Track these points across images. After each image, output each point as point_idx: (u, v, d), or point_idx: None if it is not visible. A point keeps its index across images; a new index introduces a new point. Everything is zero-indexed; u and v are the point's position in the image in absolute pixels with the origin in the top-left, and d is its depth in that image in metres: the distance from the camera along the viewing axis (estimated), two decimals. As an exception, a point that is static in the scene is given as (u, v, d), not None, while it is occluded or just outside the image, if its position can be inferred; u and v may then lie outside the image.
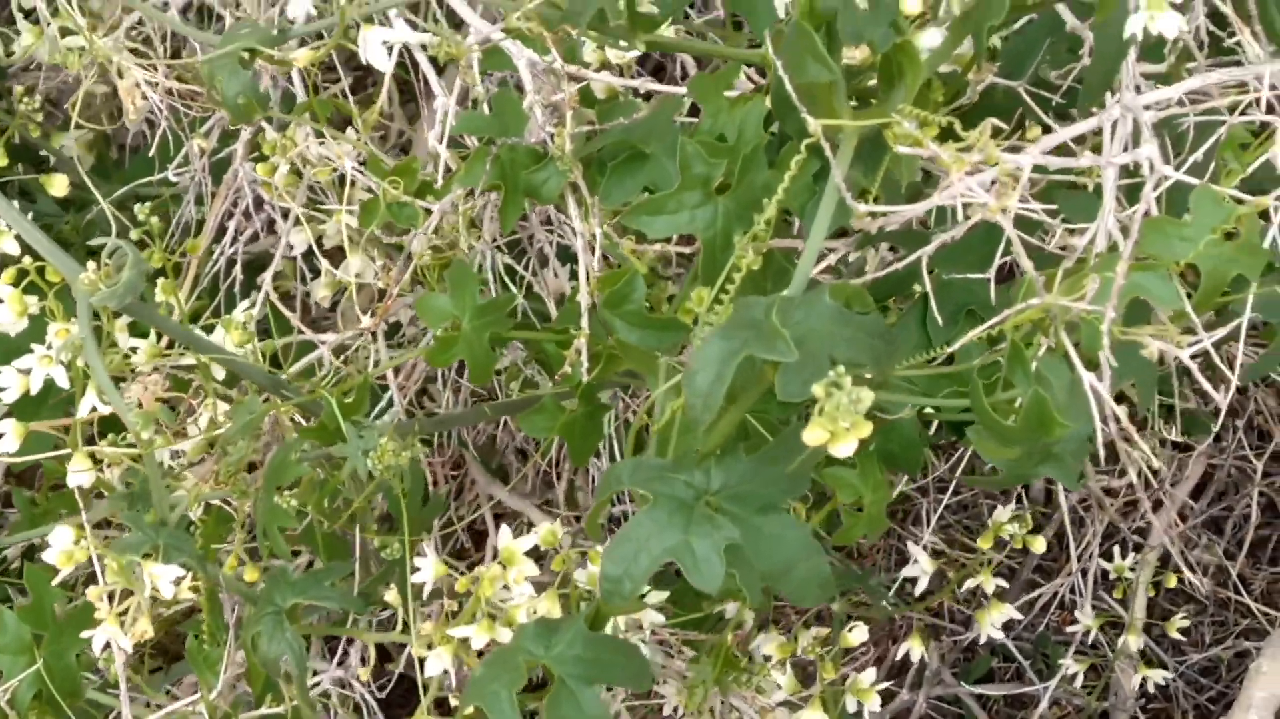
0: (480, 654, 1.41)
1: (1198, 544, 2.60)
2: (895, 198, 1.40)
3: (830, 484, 1.45)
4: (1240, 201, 1.25)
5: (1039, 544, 1.80)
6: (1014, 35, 1.67)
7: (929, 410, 1.49)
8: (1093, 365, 1.30)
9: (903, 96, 1.27)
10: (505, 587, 1.43)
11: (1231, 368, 1.31)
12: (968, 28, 1.31)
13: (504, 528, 1.44)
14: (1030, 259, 1.41)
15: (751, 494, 1.27)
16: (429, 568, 1.45)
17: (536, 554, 1.46)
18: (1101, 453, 1.30)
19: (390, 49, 1.49)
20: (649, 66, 2.27)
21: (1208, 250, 1.24)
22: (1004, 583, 1.83)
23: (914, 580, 1.90)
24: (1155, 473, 2.57)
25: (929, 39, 1.33)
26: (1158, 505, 2.55)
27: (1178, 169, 1.35)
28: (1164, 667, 2.49)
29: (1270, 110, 1.38)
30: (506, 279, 1.82)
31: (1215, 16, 1.63)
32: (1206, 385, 1.20)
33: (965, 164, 1.19)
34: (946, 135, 1.42)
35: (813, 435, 1.12)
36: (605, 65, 1.61)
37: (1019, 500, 2.64)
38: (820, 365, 1.16)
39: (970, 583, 1.81)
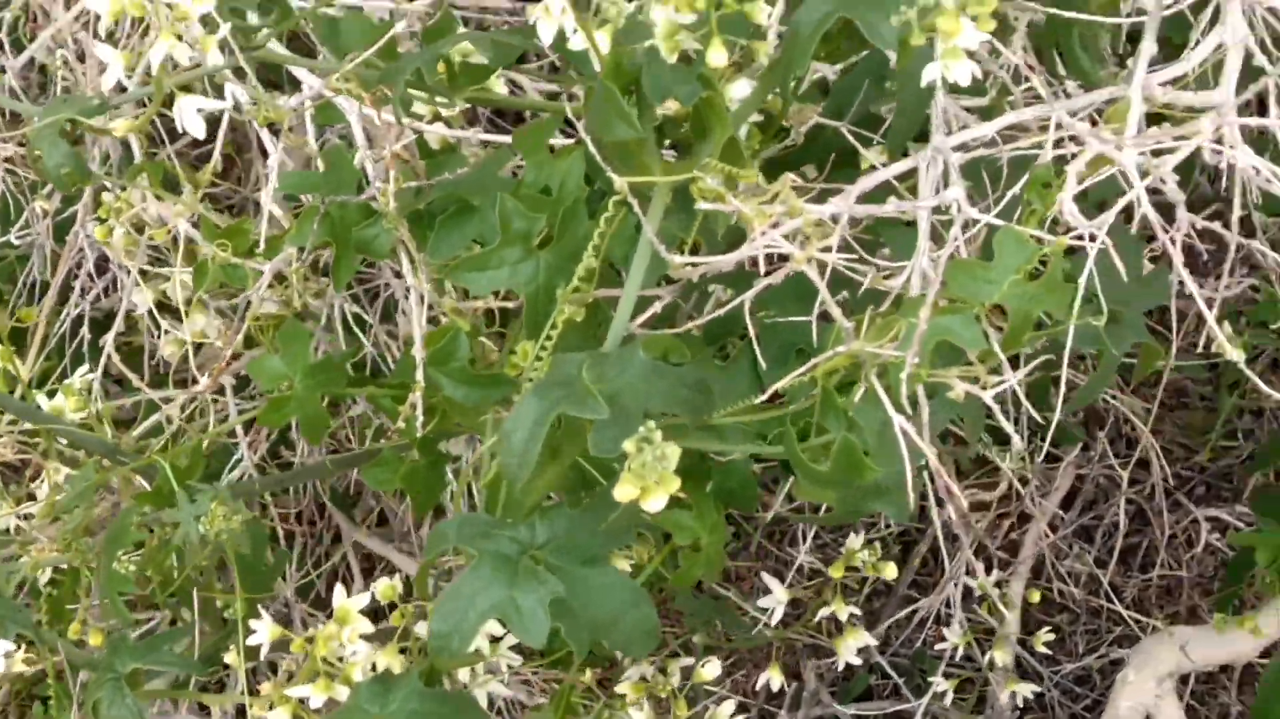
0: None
1: (1069, 554, 2.64)
2: (716, 245, 1.42)
3: (667, 527, 1.46)
4: (1042, 241, 1.27)
5: (890, 571, 1.81)
6: (842, 74, 1.70)
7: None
8: (913, 404, 1.32)
9: (710, 150, 1.29)
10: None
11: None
12: (775, 78, 1.33)
13: (338, 586, 1.45)
14: (854, 298, 1.44)
15: (576, 547, 1.29)
16: (264, 630, 1.45)
17: (375, 608, 1.47)
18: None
19: (220, 115, 1.50)
20: (510, 116, 2.28)
21: (1012, 290, 1.26)
22: (856, 610, 1.85)
23: (793, 603, 1.92)
24: (1025, 484, 2.60)
25: (738, 90, 1.35)
26: (1028, 517, 2.59)
27: (996, 205, 1.37)
28: (1039, 677, 2.53)
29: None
30: (356, 328, 1.83)
31: (1039, 51, 1.66)
32: (1008, 427, 1.22)
33: (768, 217, 1.21)
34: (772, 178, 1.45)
35: (623, 492, 1.14)
36: (438, 117, 1.62)
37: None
38: (633, 420, 1.17)
39: (824, 611, 1.84)
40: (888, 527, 2.55)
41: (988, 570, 2.35)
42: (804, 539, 2.52)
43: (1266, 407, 2.72)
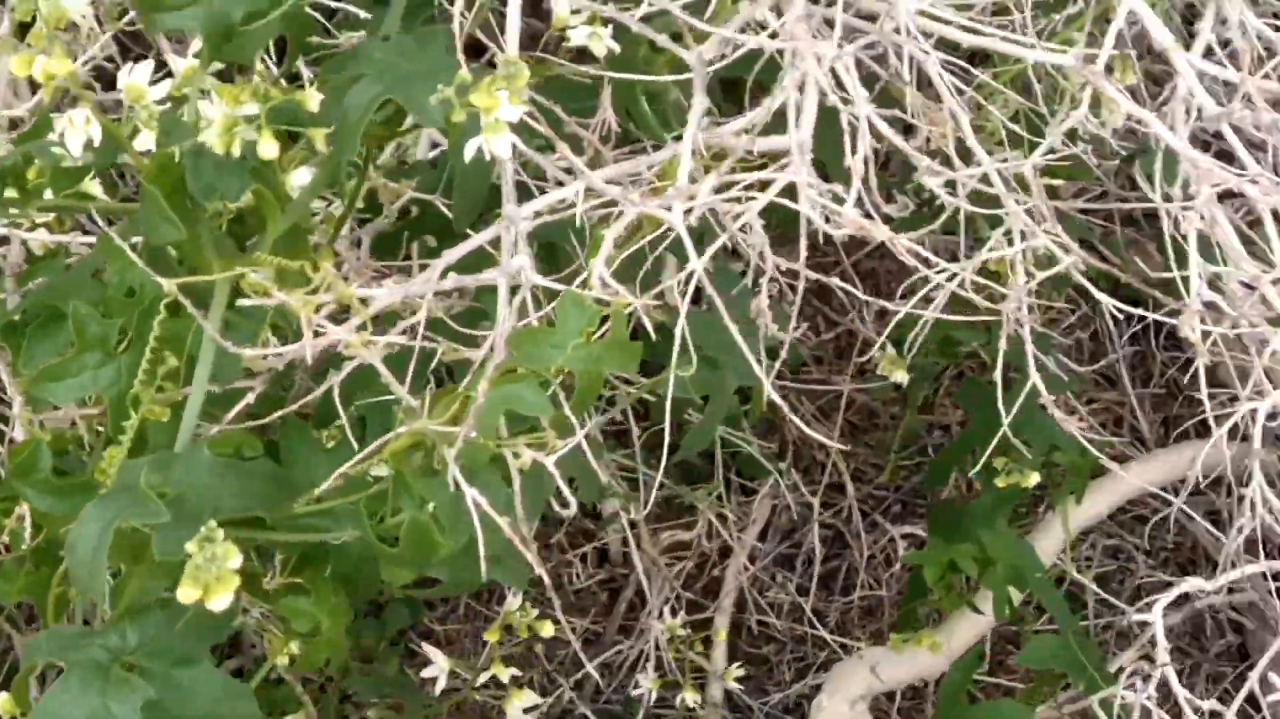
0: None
1: (772, 584, 2.67)
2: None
3: (286, 615, 1.46)
4: (604, 303, 1.30)
5: (546, 629, 1.84)
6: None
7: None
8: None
9: (265, 244, 1.30)
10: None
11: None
12: (332, 163, 1.34)
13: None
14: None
15: (168, 649, 1.29)
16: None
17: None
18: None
19: None
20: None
21: (576, 353, 1.28)
22: (517, 671, 1.86)
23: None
24: (724, 520, 2.64)
25: (300, 178, 1.36)
26: (728, 552, 2.62)
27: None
28: (749, 710, 2.55)
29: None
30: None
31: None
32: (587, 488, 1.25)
33: (313, 306, 1.22)
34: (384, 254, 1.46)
35: (185, 594, 1.15)
36: (35, 224, 1.61)
37: (602, 563, 2.70)
38: (200, 521, 1.18)
39: (485, 675, 1.85)
40: (600, 568, 2.58)
41: (675, 611, 2.39)
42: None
43: (953, 422, 2.78)
